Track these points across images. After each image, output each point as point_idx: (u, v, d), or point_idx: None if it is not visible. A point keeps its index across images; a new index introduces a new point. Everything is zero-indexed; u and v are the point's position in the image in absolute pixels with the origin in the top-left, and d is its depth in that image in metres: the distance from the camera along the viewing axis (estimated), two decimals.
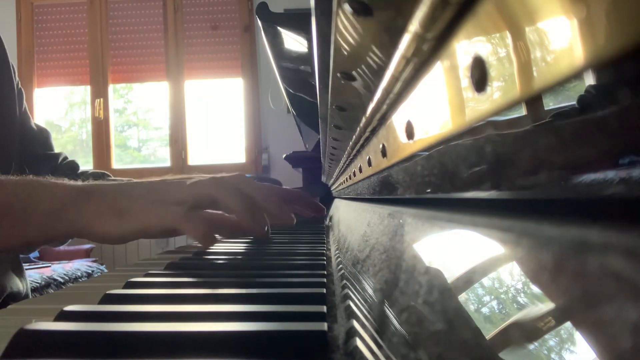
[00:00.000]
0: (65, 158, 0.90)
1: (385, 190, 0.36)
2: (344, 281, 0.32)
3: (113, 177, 0.88)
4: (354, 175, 0.54)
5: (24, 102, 0.84)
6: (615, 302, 0.09)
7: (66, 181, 0.52)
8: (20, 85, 0.83)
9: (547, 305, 0.11)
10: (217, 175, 0.58)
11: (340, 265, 0.39)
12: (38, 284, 1.96)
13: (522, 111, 0.13)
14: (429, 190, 0.23)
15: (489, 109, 0.14)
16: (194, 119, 3.05)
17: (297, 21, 1.32)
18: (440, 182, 0.21)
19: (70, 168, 0.89)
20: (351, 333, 0.20)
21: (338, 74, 0.29)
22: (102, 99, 3.02)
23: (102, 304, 0.27)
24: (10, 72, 0.79)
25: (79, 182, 0.53)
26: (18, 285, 0.76)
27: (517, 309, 0.12)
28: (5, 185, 0.50)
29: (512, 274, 0.13)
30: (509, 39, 0.12)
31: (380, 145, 0.32)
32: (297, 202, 0.68)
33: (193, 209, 0.52)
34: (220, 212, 0.57)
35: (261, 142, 2.94)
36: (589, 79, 0.10)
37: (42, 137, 0.87)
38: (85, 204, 0.50)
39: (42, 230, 0.49)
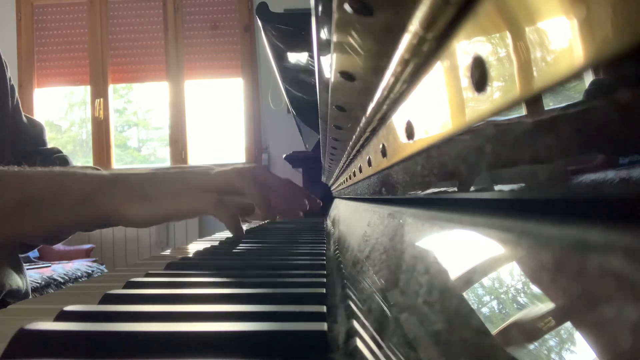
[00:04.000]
0: (57, 153, 0.89)
1: (385, 190, 0.36)
2: (344, 281, 0.32)
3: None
4: (354, 175, 0.54)
5: (16, 97, 0.84)
6: (615, 302, 0.09)
7: (94, 170, 0.56)
8: (12, 82, 0.83)
9: (547, 305, 0.11)
10: (238, 166, 0.63)
11: (341, 265, 0.39)
12: (38, 284, 1.96)
13: (522, 111, 0.13)
14: (428, 190, 0.23)
15: (489, 109, 0.14)
16: (194, 119, 3.05)
17: (297, 21, 1.32)
18: (440, 182, 0.21)
19: (59, 163, 0.88)
20: (351, 333, 0.20)
21: (338, 74, 0.29)
22: (102, 99, 3.02)
23: (102, 304, 0.27)
24: (3, 69, 0.79)
25: (106, 171, 0.56)
26: (17, 282, 0.76)
27: (517, 309, 0.12)
28: (34, 175, 0.52)
29: (512, 274, 0.13)
30: (509, 39, 0.12)
31: (380, 145, 0.32)
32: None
33: (221, 196, 0.58)
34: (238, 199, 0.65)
35: (261, 142, 2.94)
36: (589, 79, 0.10)
37: (33, 132, 0.86)
38: (113, 191, 0.54)
39: (73, 217, 0.53)
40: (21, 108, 0.85)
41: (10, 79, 0.82)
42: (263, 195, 0.60)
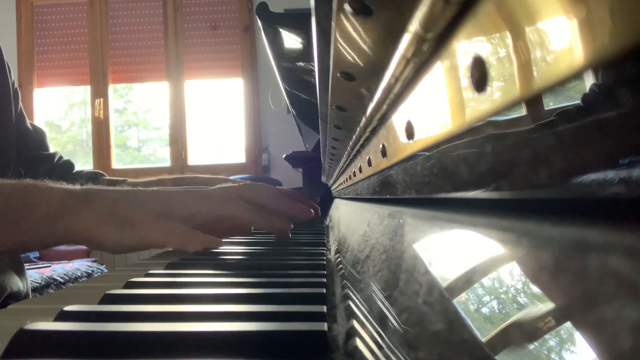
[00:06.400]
0: (61, 158, 0.90)
1: (385, 190, 0.36)
2: (344, 281, 0.32)
3: (108, 177, 0.88)
4: (354, 175, 0.54)
5: (20, 102, 0.83)
6: (615, 302, 0.09)
7: (64, 185, 0.51)
8: (15, 85, 0.82)
9: (547, 305, 0.11)
10: (222, 186, 0.57)
11: (340, 265, 0.39)
12: (38, 284, 1.96)
13: (522, 111, 0.13)
14: (428, 190, 0.23)
15: (489, 109, 0.14)
16: (194, 119, 3.05)
17: (297, 21, 1.31)
18: (440, 182, 0.21)
19: (65, 167, 0.88)
20: (351, 333, 0.20)
21: (338, 74, 0.29)
22: (102, 99, 3.02)
23: (102, 304, 0.27)
24: (5, 72, 0.79)
25: (77, 186, 0.51)
26: (18, 284, 0.76)
27: (517, 309, 0.12)
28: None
29: (512, 274, 0.13)
30: (509, 39, 0.12)
31: (380, 145, 0.32)
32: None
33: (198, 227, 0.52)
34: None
35: (261, 142, 2.94)
36: (589, 79, 0.10)
37: (38, 138, 0.86)
38: (83, 209, 0.48)
39: (36, 234, 0.48)
40: (25, 114, 0.85)
41: (14, 83, 0.81)
42: (255, 214, 0.54)
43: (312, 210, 0.63)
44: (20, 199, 0.48)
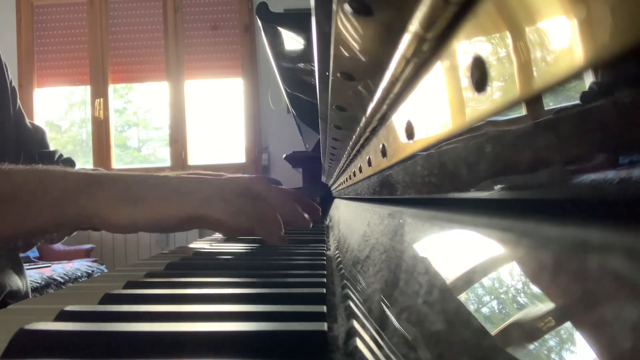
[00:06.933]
0: (61, 156, 0.89)
1: (385, 190, 0.36)
2: (344, 281, 0.32)
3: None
4: (354, 175, 0.54)
5: (18, 100, 0.83)
6: (615, 302, 0.09)
7: (77, 169, 0.52)
8: (13, 84, 0.82)
9: (547, 305, 0.11)
10: (229, 176, 0.58)
11: (340, 265, 0.39)
12: (38, 284, 1.96)
13: (522, 111, 0.13)
14: (428, 190, 0.23)
15: (489, 109, 0.14)
16: (194, 119, 3.05)
17: (297, 21, 1.31)
18: (440, 182, 0.21)
19: (65, 165, 0.88)
20: (351, 333, 0.20)
21: (338, 74, 0.29)
22: (102, 99, 3.02)
23: (102, 304, 0.27)
24: (3, 71, 0.79)
25: (90, 171, 0.52)
26: (17, 283, 0.76)
27: (517, 309, 0.12)
28: (13, 173, 0.49)
29: (512, 274, 0.13)
30: (509, 39, 0.12)
31: (380, 145, 0.32)
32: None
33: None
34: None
35: (261, 142, 2.94)
36: (589, 79, 0.10)
37: (37, 136, 0.86)
38: (97, 191, 0.49)
39: (51, 216, 0.48)
40: (24, 112, 0.85)
41: (11, 81, 0.81)
42: (259, 217, 0.55)
43: (308, 217, 0.64)
44: (34, 183, 0.49)
